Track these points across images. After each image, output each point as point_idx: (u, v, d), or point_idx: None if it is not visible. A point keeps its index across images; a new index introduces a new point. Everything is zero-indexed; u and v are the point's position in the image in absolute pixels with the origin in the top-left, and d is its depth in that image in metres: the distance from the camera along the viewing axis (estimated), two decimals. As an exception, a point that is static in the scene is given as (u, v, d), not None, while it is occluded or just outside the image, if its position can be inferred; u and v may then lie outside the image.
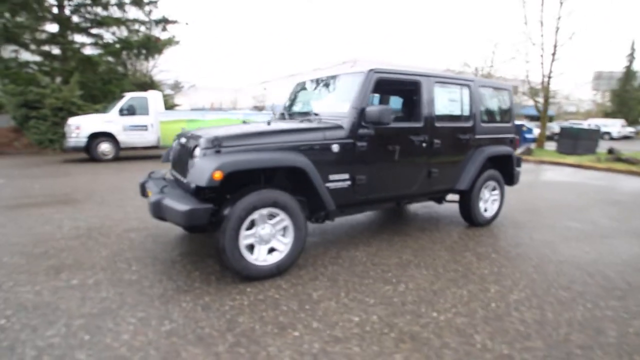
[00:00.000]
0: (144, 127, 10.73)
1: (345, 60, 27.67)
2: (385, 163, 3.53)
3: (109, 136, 10.29)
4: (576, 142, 14.35)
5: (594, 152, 14.18)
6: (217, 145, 2.73)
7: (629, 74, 35.68)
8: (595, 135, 14.91)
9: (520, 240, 4.00)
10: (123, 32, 14.81)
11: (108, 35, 14.81)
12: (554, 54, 14.10)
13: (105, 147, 10.26)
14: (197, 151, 2.78)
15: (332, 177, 3.16)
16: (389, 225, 4.54)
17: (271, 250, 2.87)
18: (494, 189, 4.49)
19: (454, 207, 4.61)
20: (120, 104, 10.55)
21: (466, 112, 4.15)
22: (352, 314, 2.40)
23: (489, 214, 4.46)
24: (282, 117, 4.07)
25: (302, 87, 4.38)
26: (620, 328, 2.28)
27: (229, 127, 3.67)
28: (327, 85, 3.95)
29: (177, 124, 10.35)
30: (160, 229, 4.01)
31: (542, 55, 14.21)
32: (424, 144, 3.71)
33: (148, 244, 3.62)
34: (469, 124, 4.16)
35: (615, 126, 28.05)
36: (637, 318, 2.40)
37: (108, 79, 14.43)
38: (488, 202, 4.47)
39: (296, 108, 4.21)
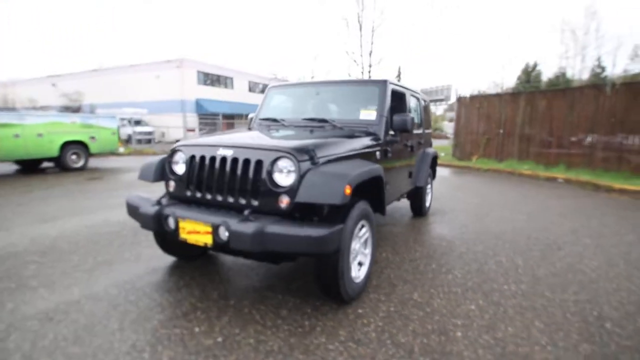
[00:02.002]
0: None
1: (169, 59, 25.10)
2: (398, 167, 3.69)
3: None
4: None
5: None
6: (313, 157, 2.30)
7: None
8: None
9: (440, 218, 4.91)
10: None
11: None
12: (369, 72, 16.95)
13: None
14: (285, 164, 2.24)
15: None
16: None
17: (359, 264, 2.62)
18: (430, 184, 5.26)
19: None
20: None
21: (419, 120, 4.71)
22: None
23: (428, 204, 5.20)
24: (263, 122, 3.61)
25: (283, 92, 3.97)
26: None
27: (265, 134, 3.10)
28: (331, 92, 3.72)
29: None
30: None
31: (362, 72, 16.84)
32: (409, 149, 4.06)
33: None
34: (421, 130, 4.75)
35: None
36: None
37: None
38: (429, 195, 5.21)
39: (280, 114, 3.78)
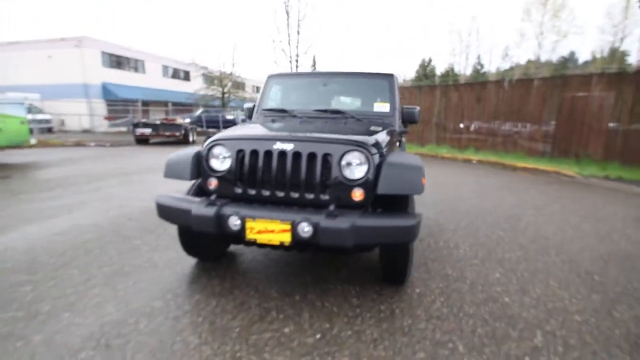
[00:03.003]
0: None
1: (64, 37, 21.27)
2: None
3: None
4: None
5: None
6: (380, 149, 2.31)
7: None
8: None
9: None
10: None
11: None
12: (297, 61, 16.89)
13: None
14: (357, 157, 2.19)
15: None
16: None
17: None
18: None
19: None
20: None
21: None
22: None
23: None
24: (267, 114, 3.41)
25: (284, 82, 3.77)
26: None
27: (302, 127, 2.87)
28: (339, 83, 3.65)
29: None
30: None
31: (290, 61, 16.68)
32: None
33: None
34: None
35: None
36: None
37: None
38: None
39: (286, 105, 3.61)
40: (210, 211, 2.14)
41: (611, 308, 2.34)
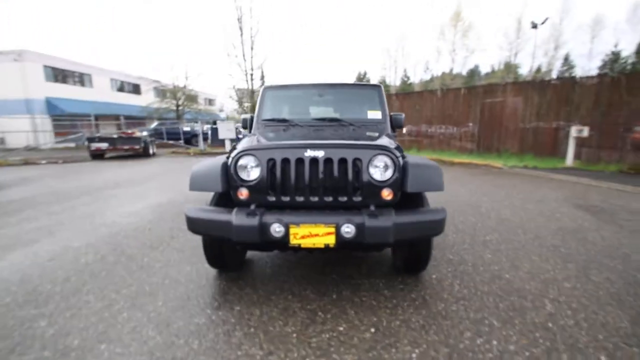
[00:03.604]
0: None
1: (2, 50, 18.34)
2: None
3: None
4: None
5: None
6: (401, 152, 2.32)
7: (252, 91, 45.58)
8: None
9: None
10: None
11: None
12: (251, 75, 16.49)
13: None
14: (385, 160, 2.16)
15: None
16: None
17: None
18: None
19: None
20: None
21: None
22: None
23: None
24: (264, 125, 3.27)
25: (280, 93, 3.61)
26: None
27: (318, 134, 2.78)
28: (334, 94, 3.58)
29: None
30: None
31: (246, 74, 16.23)
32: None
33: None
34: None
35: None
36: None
37: None
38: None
39: (285, 115, 3.48)
40: (254, 221, 1.97)
41: (587, 273, 2.60)
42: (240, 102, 17.93)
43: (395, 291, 2.34)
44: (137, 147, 12.70)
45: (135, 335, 1.87)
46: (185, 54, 45.74)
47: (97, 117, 19.69)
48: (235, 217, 2.00)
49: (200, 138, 15.02)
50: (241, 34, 15.53)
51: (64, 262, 2.88)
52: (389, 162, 2.17)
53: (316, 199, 2.15)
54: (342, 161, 2.15)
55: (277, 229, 1.98)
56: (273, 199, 2.17)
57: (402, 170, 2.17)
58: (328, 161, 2.15)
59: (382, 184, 2.14)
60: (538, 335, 1.84)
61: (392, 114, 3.50)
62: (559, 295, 2.27)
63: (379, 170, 2.17)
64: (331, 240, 1.98)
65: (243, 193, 2.20)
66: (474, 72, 40.54)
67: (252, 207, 2.09)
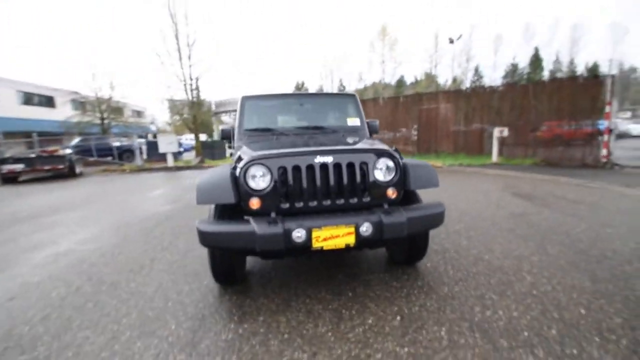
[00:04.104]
0: None
1: None
2: None
3: None
4: (213, 151, 17.25)
5: (224, 156, 17.69)
6: (399, 154, 2.54)
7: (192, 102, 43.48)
8: (223, 144, 18.46)
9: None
10: None
11: None
12: (191, 85, 15.75)
13: None
14: (388, 162, 2.36)
15: None
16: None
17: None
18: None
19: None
20: None
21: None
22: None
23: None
24: (246, 133, 3.31)
25: (260, 103, 3.61)
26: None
27: (318, 141, 2.84)
28: (313, 103, 3.68)
29: None
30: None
31: (185, 85, 15.45)
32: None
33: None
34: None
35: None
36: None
37: None
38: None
39: (267, 124, 3.50)
40: (277, 228, 2.00)
41: (545, 248, 3.12)
42: (180, 114, 16.90)
43: (402, 282, 2.53)
44: (61, 166, 11.21)
45: (165, 358, 1.75)
46: (110, 63, 41.57)
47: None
48: (258, 227, 2.00)
49: (137, 153, 13.82)
50: (177, 42, 14.77)
51: (30, 300, 2.50)
52: (391, 164, 2.37)
53: (328, 202, 2.25)
54: (350, 165, 2.29)
55: (299, 234, 2.03)
56: (287, 205, 2.21)
57: (402, 171, 2.40)
58: (337, 166, 2.27)
59: (387, 184, 2.33)
60: (529, 301, 2.19)
61: (368, 120, 3.76)
62: (532, 268, 2.69)
63: (383, 171, 2.36)
64: (351, 240, 2.10)
65: (254, 202, 2.20)
66: (401, 82, 44.14)
67: (273, 215, 2.11)
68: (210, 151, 16.92)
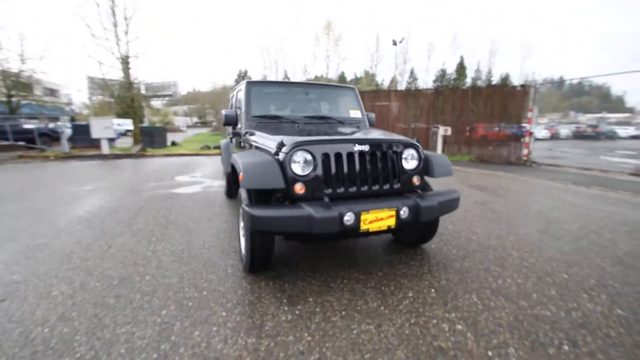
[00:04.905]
0: None
1: None
2: None
3: None
4: (152, 138, 15.86)
5: (165, 144, 16.42)
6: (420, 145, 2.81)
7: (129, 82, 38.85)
8: (164, 132, 17.00)
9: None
10: None
11: None
12: (127, 64, 14.22)
13: None
14: (413, 152, 2.62)
15: None
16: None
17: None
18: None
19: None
20: None
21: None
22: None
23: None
24: (255, 120, 3.32)
25: (265, 90, 3.55)
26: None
27: (342, 130, 2.97)
28: (317, 93, 3.73)
29: None
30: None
31: (123, 63, 13.88)
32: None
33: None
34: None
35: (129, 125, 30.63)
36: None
37: None
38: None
39: (274, 111, 3.49)
40: (334, 212, 2.11)
41: (515, 229, 3.72)
42: (114, 96, 15.03)
43: (419, 261, 2.83)
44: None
45: (235, 342, 1.74)
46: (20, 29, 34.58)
47: None
48: (315, 211, 2.08)
49: (64, 138, 12.05)
50: (113, 14, 13.08)
51: (27, 301, 2.19)
52: (415, 154, 2.64)
53: (365, 188, 2.43)
54: (383, 154, 2.49)
55: (348, 218, 2.17)
56: (329, 191, 2.32)
57: (424, 161, 2.67)
58: (373, 154, 2.45)
59: (412, 172, 2.60)
60: (525, 271, 2.66)
61: (369, 113, 3.98)
62: (514, 245, 3.22)
63: (409, 160, 2.61)
64: (392, 222, 2.31)
65: (299, 187, 2.27)
66: (342, 79, 45.50)
67: (326, 199, 2.20)
68: (149, 138, 15.50)
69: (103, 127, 11.87)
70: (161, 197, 5.31)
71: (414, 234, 3.09)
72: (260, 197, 2.43)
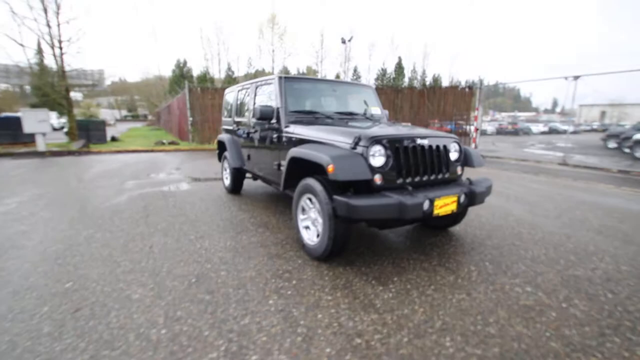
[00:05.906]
0: None
1: None
2: None
3: None
4: (88, 133, 14.27)
5: (105, 140, 14.90)
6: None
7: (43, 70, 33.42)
8: (103, 126, 15.30)
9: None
10: None
11: None
12: (60, 49, 12.52)
13: None
14: (456, 146, 3.00)
15: None
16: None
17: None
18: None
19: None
20: None
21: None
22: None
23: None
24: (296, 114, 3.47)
25: (297, 86, 3.63)
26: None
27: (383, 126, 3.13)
28: (344, 90, 3.89)
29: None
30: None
31: (52, 48, 12.16)
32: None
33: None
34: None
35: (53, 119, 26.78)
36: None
37: None
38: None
39: (308, 107, 3.60)
40: (420, 199, 2.38)
41: (511, 212, 4.38)
42: (35, 83, 12.98)
43: (455, 242, 3.24)
44: None
45: (362, 319, 1.91)
46: None
47: None
48: (405, 199, 2.32)
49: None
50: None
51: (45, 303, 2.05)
52: (457, 147, 3.03)
53: (426, 177, 2.74)
54: (438, 148, 2.83)
55: (427, 204, 2.46)
56: (400, 180, 2.59)
57: (464, 154, 3.08)
58: (430, 148, 2.77)
59: (457, 163, 2.98)
60: (541, 243, 3.24)
61: (384, 110, 4.29)
62: (516, 225, 3.83)
63: (454, 153, 2.99)
64: (455, 207, 2.66)
65: (378, 178, 2.49)
66: (286, 73, 45.36)
67: (410, 188, 2.45)
68: (85, 133, 13.88)
69: (38, 121, 10.35)
70: (157, 195, 4.98)
71: (448, 218, 3.49)
72: (337, 188, 2.58)
